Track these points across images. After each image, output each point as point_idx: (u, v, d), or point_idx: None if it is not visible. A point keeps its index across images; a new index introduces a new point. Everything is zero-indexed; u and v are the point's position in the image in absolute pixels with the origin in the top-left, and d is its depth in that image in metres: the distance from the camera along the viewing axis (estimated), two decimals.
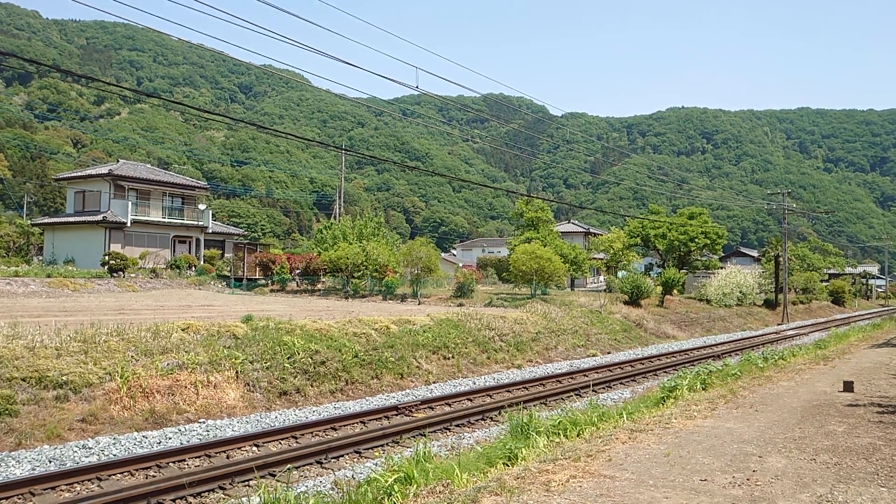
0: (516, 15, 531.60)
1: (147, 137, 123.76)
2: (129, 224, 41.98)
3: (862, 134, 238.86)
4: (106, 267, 36.67)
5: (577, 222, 74.94)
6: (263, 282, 40.52)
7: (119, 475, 8.72)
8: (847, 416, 9.05)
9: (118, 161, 51.02)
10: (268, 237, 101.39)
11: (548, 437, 8.32)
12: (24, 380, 10.98)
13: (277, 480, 8.75)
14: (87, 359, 12.06)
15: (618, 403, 13.43)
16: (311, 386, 14.59)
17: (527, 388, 16.34)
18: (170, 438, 10.61)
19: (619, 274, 44.38)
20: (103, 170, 45.37)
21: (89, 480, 8.45)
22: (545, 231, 43.83)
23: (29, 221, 50.65)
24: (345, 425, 11.83)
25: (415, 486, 6.26)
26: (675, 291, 40.57)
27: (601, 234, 56.29)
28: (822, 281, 70.00)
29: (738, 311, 42.72)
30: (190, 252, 45.80)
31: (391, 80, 13.29)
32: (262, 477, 8.71)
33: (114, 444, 10.10)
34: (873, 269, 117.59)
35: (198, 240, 47.01)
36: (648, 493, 5.54)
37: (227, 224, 68.26)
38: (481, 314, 23.43)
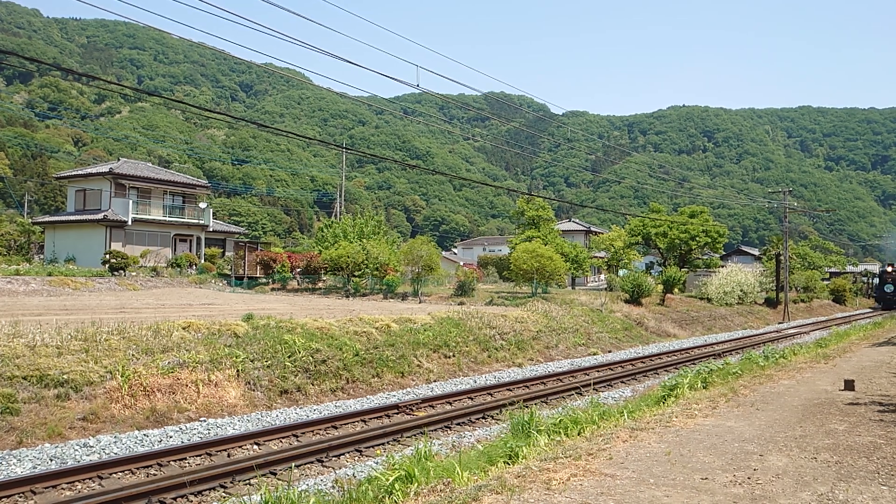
0: (517, 13, 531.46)
1: (148, 136, 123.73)
2: (129, 222, 42.02)
3: (863, 132, 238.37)
4: (107, 265, 36.68)
5: (578, 221, 74.92)
6: (264, 280, 40.52)
7: (120, 473, 8.73)
8: (848, 415, 9.03)
9: (119, 159, 51.02)
10: (268, 236, 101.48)
11: (549, 436, 8.31)
12: (25, 378, 10.99)
13: (278, 479, 8.76)
14: (88, 357, 12.07)
15: (619, 402, 13.42)
16: (312, 384, 14.59)
17: (528, 387, 16.33)
18: (171, 437, 10.63)
19: (620, 272, 44.33)
20: (104, 168, 45.39)
21: (90, 479, 8.46)
22: (546, 229, 43.79)
23: (30, 220, 50.67)
24: (345, 424, 11.84)
25: (416, 484, 6.25)
26: (675, 290, 40.52)
27: (602, 233, 56.26)
28: (823, 279, 69.91)
29: (738, 310, 42.68)
30: (191, 250, 45.83)
31: (392, 78, 13.26)
32: (263, 475, 8.71)
33: (115, 442, 10.11)
34: (874, 267, 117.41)
35: (199, 238, 47.03)
36: (649, 491, 5.54)
37: (228, 223, 68.27)
38: (482, 313, 23.42)
